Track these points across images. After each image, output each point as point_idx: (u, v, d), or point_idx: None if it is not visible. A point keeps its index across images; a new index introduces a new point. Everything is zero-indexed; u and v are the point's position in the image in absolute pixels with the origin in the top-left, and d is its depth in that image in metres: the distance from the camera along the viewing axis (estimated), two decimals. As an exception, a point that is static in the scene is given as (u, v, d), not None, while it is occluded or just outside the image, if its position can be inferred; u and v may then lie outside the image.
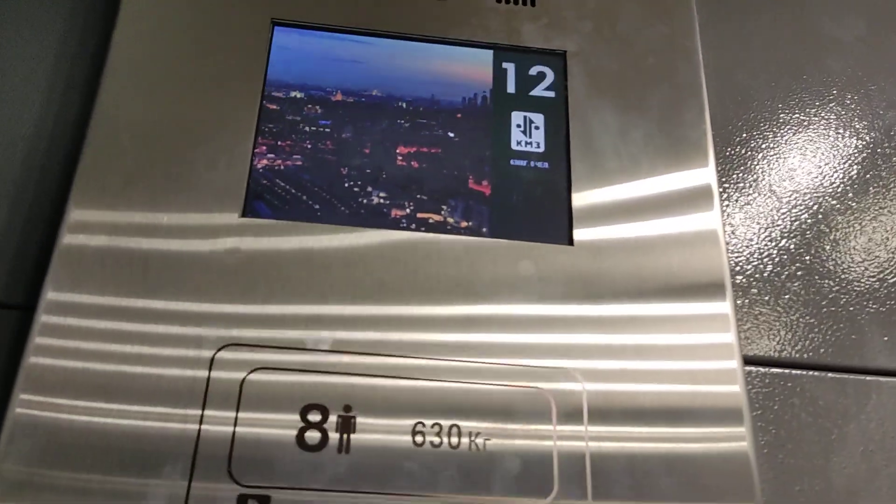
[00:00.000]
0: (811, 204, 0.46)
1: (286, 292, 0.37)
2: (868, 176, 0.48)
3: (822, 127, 0.49)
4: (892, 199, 0.47)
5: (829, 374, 0.42)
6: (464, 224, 0.40)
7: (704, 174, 0.42)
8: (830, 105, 0.49)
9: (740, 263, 0.44)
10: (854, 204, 0.47)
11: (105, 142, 0.39)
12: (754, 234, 0.45)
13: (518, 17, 0.46)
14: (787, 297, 0.43)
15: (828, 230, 0.46)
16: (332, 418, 0.35)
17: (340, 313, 0.37)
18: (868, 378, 0.42)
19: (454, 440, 0.35)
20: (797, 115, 0.49)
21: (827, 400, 0.41)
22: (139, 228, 0.38)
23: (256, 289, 0.37)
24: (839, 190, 0.47)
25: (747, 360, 0.41)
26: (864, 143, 0.49)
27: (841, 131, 0.49)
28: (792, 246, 0.45)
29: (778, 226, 0.45)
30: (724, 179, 0.46)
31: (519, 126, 0.43)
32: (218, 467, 0.33)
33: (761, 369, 0.42)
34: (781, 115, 0.49)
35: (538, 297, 0.38)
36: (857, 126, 0.49)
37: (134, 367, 0.35)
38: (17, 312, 0.38)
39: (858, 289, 0.44)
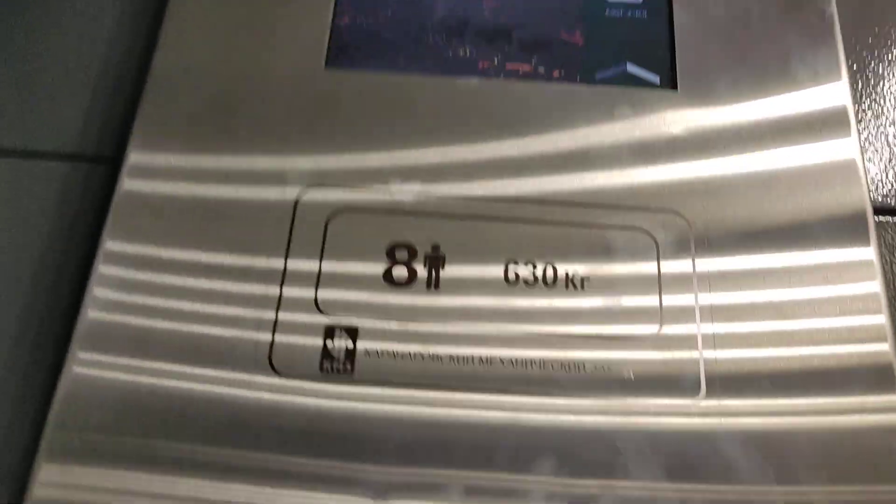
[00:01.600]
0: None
1: (372, 139, 0.36)
2: None
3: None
4: None
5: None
6: (556, 73, 0.38)
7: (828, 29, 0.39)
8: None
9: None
10: None
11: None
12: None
13: None
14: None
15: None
16: (421, 256, 0.33)
17: (427, 160, 0.35)
18: None
19: (550, 278, 0.33)
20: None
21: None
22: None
23: (340, 136, 0.36)
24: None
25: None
26: None
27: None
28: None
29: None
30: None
31: (613, -24, 0.41)
32: (306, 299, 0.32)
33: None
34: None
35: (638, 141, 0.36)
36: None
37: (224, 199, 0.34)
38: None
39: None
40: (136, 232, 0.34)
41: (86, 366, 0.31)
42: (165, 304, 0.32)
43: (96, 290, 0.32)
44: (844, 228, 0.34)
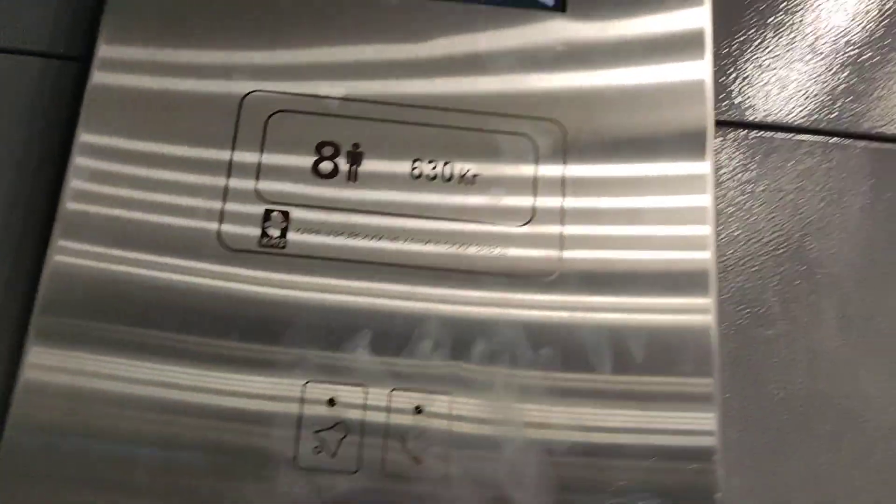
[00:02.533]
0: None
1: (303, 40, 0.42)
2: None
3: None
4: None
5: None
6: (466, -10, 0.44)
7: None
8: None
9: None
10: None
11: None
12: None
13: None
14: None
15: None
16: (343, 153, 0.41)
17: (350, 60, 0.42)
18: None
19: (447, 174, 0.41)
20: None
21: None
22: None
23: (279, 39, 0.42)
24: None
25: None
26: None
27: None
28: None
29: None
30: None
31: None
32: (247, 190, 0.40)
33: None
34: None
35: (529, 55, 0.43)
36: None
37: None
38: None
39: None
40: (106, 125, 0.40)
41: (66, 254, 0.38)
42: (132, 195, 0.39)
43: (73, 182, 0.39)
44: (686, 143, 0.42)
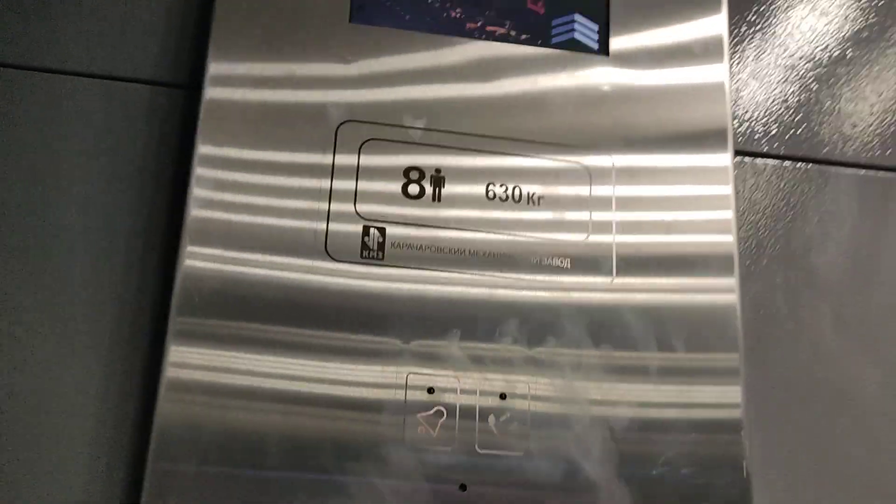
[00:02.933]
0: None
1: (392, 83, 0.49)
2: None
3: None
4: (863, 30, 0.58)
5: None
6: (523, 36, 0.51)
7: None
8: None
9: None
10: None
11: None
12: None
13: None
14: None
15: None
16: (428, 177, 0.47)
17: (434, 96, 0.49)
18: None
19: (516, 195, 0.48)
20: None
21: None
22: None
23: (368, 79, 0.48)
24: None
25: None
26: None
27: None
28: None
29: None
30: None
31: (568, -43, 0.53)
32: (348, 207, 0.46)
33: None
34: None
35: (579, 98, 0.50)
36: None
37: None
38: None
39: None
40: (221, 137, 0.46)
41: (195, 258, 0.44)
42: (251, 201, 0.45)
43: (196, 191, 0.45)
44: (710, 171, 0.50)
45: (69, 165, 0.47)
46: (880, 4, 0.58)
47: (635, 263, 0.48)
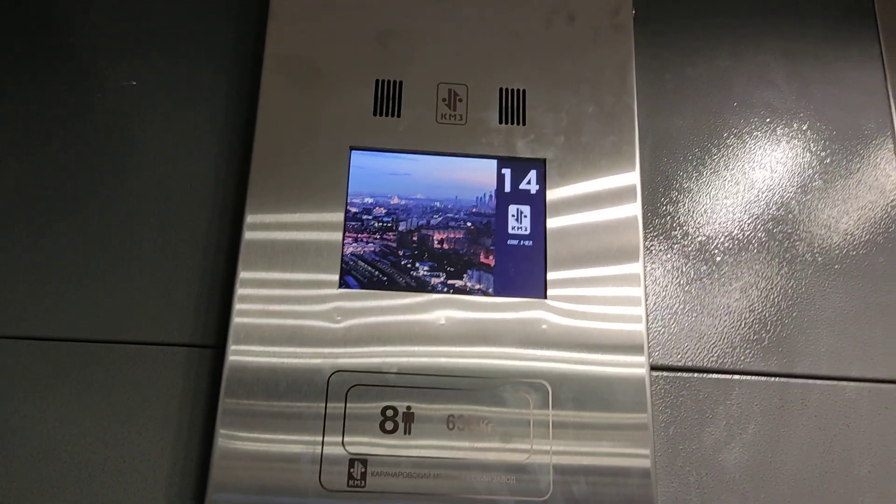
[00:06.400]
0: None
1: (371, 338, 0.62)
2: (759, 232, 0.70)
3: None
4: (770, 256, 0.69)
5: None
6: (477, 287, 0.64)
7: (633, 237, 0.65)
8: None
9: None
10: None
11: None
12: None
13: (514, 133, 0.68)
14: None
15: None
16: (400, 413, 0.60)
17: (402, 349, 0.62)
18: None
19: (471, 423, 0.60)
20: (717, 199, 0.71)
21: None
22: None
23: (352, 335, 0.62)
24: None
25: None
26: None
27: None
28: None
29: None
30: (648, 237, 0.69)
31: (513, 216, 0.66)
32: (337, 443, 0.59)
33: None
34: (702, 200, 0.71)
35: (522, 335, 0.62)
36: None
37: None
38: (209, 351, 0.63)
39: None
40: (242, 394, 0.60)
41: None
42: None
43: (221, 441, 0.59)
44: (630, 388, 0.61)
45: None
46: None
47: (570, 472, 0.59)
